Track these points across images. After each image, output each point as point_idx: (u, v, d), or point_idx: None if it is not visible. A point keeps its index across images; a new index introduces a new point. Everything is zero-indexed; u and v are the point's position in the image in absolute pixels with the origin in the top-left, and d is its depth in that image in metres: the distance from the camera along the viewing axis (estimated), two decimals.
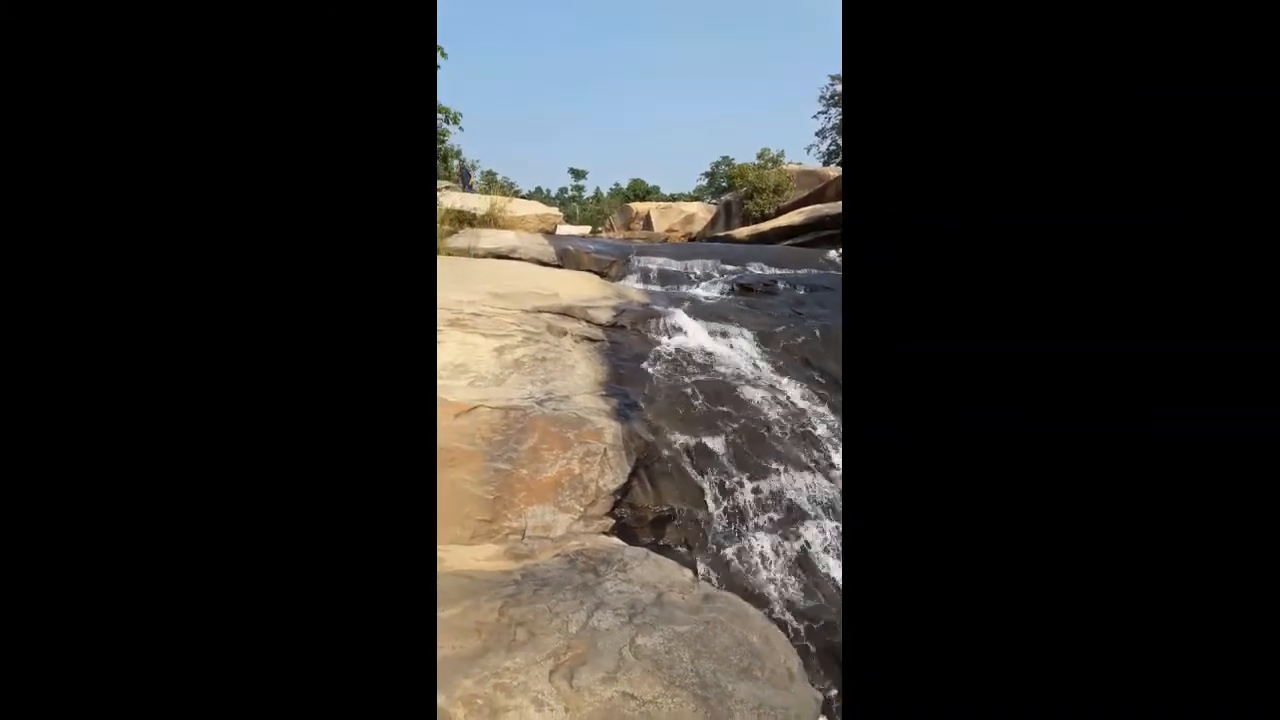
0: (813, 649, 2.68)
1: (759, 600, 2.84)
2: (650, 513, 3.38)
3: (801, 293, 7.43)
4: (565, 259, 8.28)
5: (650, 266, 8.65)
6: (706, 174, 28.78)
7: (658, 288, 8.05)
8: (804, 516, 3.46)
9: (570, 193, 33.39)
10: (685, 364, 5.13)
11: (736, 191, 18.70)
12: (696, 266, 8.67)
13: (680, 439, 3.89)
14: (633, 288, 7.68)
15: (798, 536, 3.32)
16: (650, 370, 4.91)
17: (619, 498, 3.38)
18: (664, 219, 23.17)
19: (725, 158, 27.20)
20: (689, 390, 4.58)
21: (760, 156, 19.85)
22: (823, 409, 4.50)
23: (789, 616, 2.85)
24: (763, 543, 3.26)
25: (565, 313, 5.75)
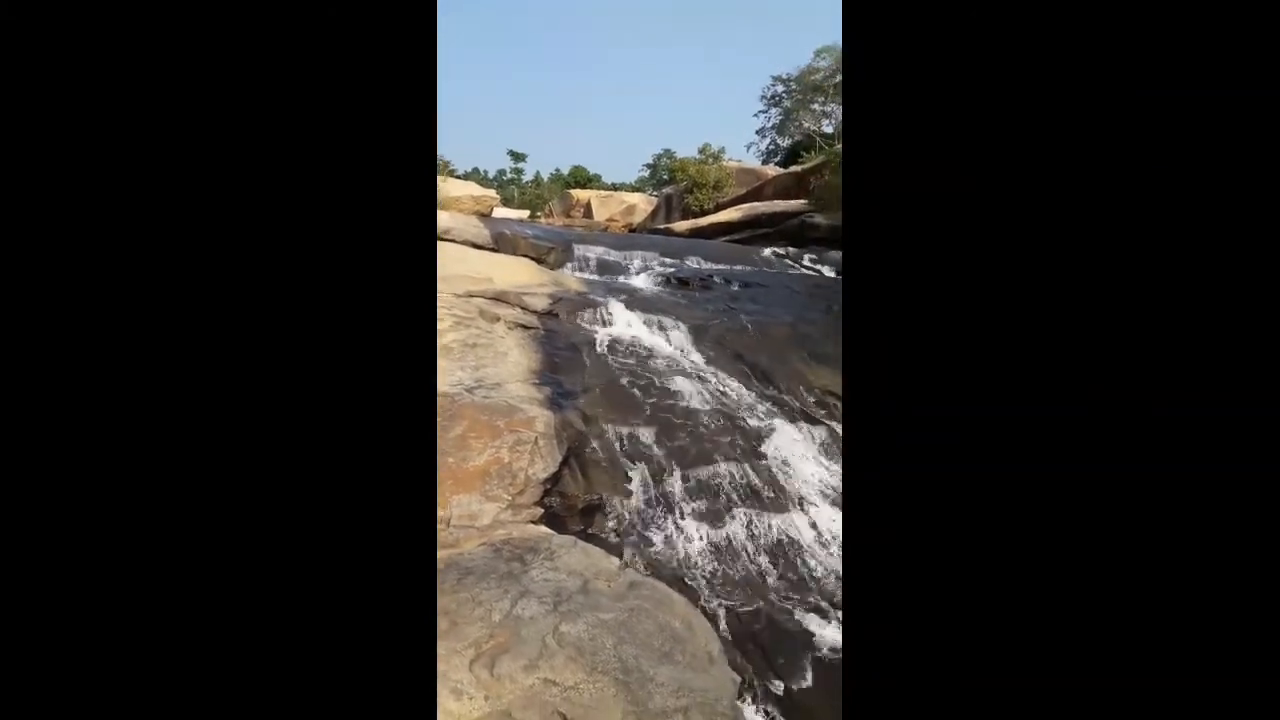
0: (734, 634, 2.76)
1: (684, 587, 2.90)
2: (580, 501, 3.38)
3: (736, 288, 7.58)
4: (501, 243, 8.10)
5: (589, 255, 8.60)
6: (649, 165, 28.83)
7: (596, 277, 8.02)
8: (731, 505, 3.55)
9: (509, 175, 32.64)
10: (621, 354, 5.14)
11: (677, 185, 18.84)
12: (636, 258, 8.69)
13: (613, 428, 3.91)
14: (571, 276, 7.61)
15: (724, 524, 3.41)
16: (585, 359, 4.89)
17: (549, 487, 3.36)
18: (605, 208, 23.06)
19: (667, 150, 27.35)
20: (624, 380, 4.60)
21: (702, 152, 20.06)
22: (752, 400, 4.62)
23: (713, 602, 2.92)
24: (690, 530, 3.33)
25: (499, 298, 5.64)
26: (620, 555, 2.99)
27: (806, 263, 9.33)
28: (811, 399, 4.82)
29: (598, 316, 5.81)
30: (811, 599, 3.07)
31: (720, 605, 2.92)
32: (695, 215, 15.95)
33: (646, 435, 3.92)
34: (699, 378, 4.84)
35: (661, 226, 16.31)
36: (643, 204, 22.56)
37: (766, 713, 2.42)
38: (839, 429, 4.48)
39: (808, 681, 2.58)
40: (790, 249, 10.09)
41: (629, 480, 3.56)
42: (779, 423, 4.34)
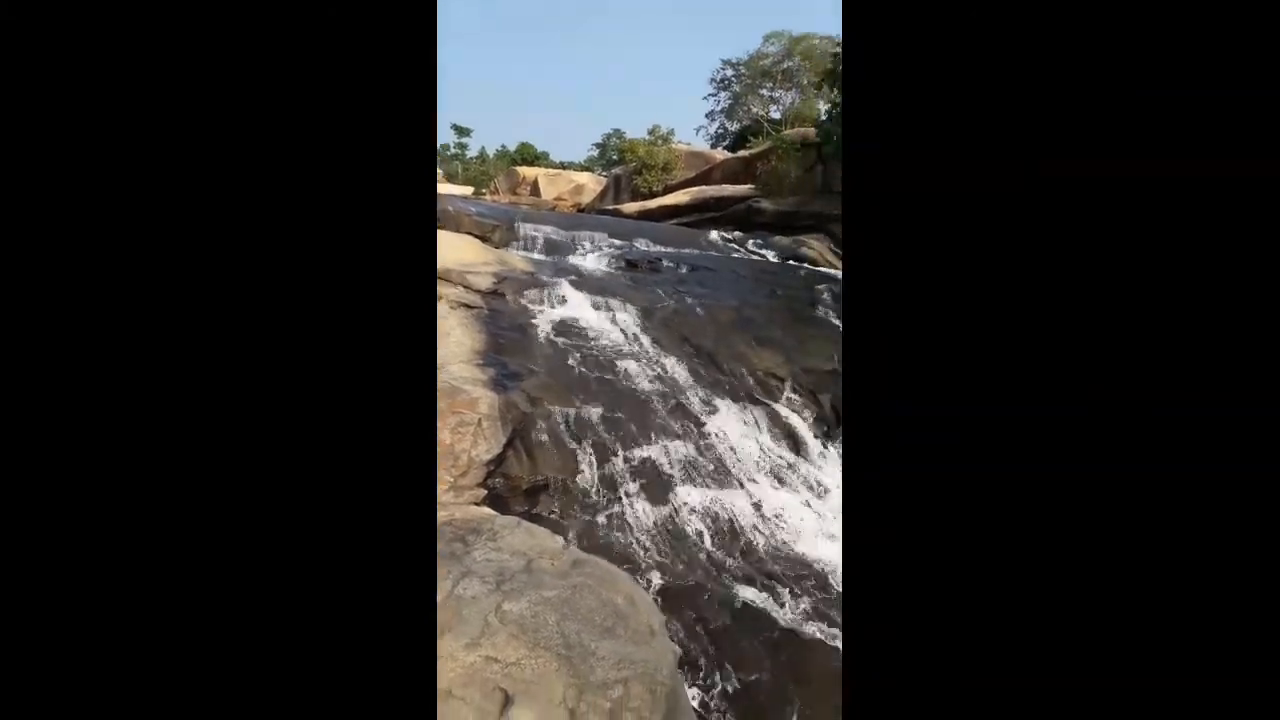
0: (675, 608, 2.84)
1: (628, 563, 2.95)
2: (525, 482, 3.37)
3: (684, 271, 7.64)
4: (444, 220, 7.87)
5: (536, 235, 8.46)
6: (598, 145, 28.43)
7: (543, 257, 7.91)
8: (675, 483, 3.62)
9: (453, 150, 31.54)
10: (567, 335, 5.12)
11: (626, 166, 18.71)
12: (584, 238, 8.62)
13: (559, 409, 3.90)
14: (516, 255, 7.48)
15: (667, 502, 3.47)
16: (531, 341, 4.84)
17: (493, 468, 3.33)
18: (552, 187, 22.68)
19: (616, 130, 27.02)
20: (570, 362, 4.58)
21: (651, 133, 19.96)
22: (697, 382, 4.70)
23: (655, 578, 2.99)
24: (634, 509, 3.37)
25: (441, 277, 5.49)
26: (564, 535, 3.00)
27: (752, 247, 9.49)
28: (754, 381, 4.94)
29: (544, 297, 5.75)
30: (750, 572, 3.18)
31: (663, 581, 2.98)
32: (644, 197, 15.90)
33: (593, 416, 3.93)
34: (646, 360, 4.87)
35: (610, 207, 16.19)
36: (591, 184, 22.31)
37: (706, 680, 2.50)
38: (780, 410, 4.61)
39: (746, 650, 2.68)
40: (737, 233, 10.23)
41: (575, 460, 3.57)
42: (723, 404, 4.43)
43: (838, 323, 6.07)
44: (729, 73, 21.19)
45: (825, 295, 6.78)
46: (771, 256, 9.12)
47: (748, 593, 3.00)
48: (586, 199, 20.81)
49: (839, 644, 2.71)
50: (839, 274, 8.21)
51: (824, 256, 8.93)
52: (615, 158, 23.66)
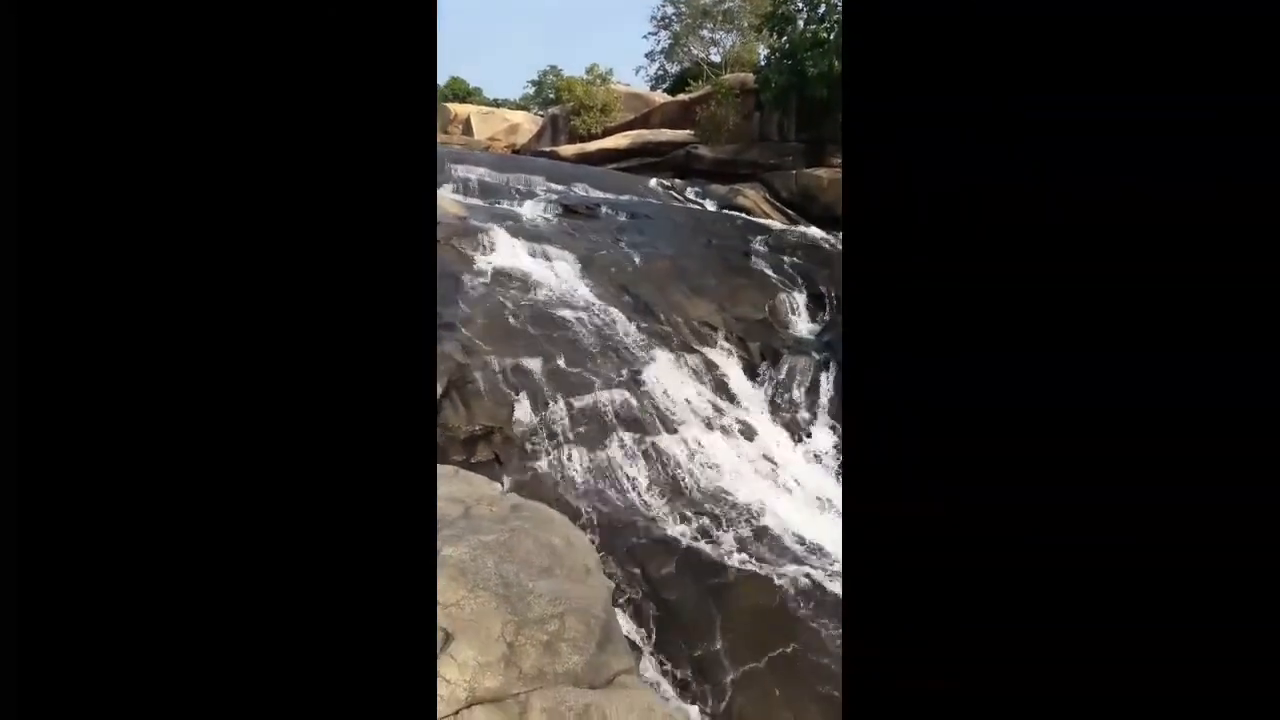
0: (610, 546, 2.98)
1: (565, 507, 3.06)
2: (462, 432, 3.39)
3: (623, 219, 7.58)
4: None
5: (469, 177, 8.12)
6: (534, 82, 27.06)
7: (478, 201, 7.63)
8: (612, 430, 3.73)
9: None
10: (504, 284, 5.04)
11: (564, 106, 18.02)
12: (520, 182, 8.35)
13: (496, 360, 3.89)
14: (449, 198, 7.19)
15: (605, 447, 3.59)
16: (466, 289, 4.74)
17: None
18: (486, 126, 21.60)
19: (553, 67, 25.76)
20: (507, 311, 4.54)
21: (589, 72, 19.19)
22: (634, 331, 4.77)
23: (592, 519, 3.12)
24: (572, 455, 3.47)
25: None
26: (502, 481, 3.07)
27: (690, 195, 9.47)
28: (689, 330, 5.06)
29: (479, 244, 5.60)
30: (683, 511, 3.36)
31: (599, 522, 3.12)
32: (582, 139, 15.44)
33: (530, 365, 3.95)
34: (585, 308, 4.89)
35: (547, 149, 15.65)
36: (527, 124, 21.38)
37: (637, 612, 2.68)
38: (712, 355, 4.77)
39: (675, 580, 2.87)
40: (676, 181, 10.16)
41: (512, 409, 3.61)
42: (658, 352, 4.54)
43: (770, 273, 6.24)
44: (669, 10, 20.47)
45: (759, 246, 6.92)
46: (709, 205, 9.15)
47: (679, 530, 3.18)
48: (522, 140, 19.98)
49: (762, 573, 2.95)
50: (774, 224, 8.36)
51: (759, 207, 9.04)
52: (552, 97, 22.68)
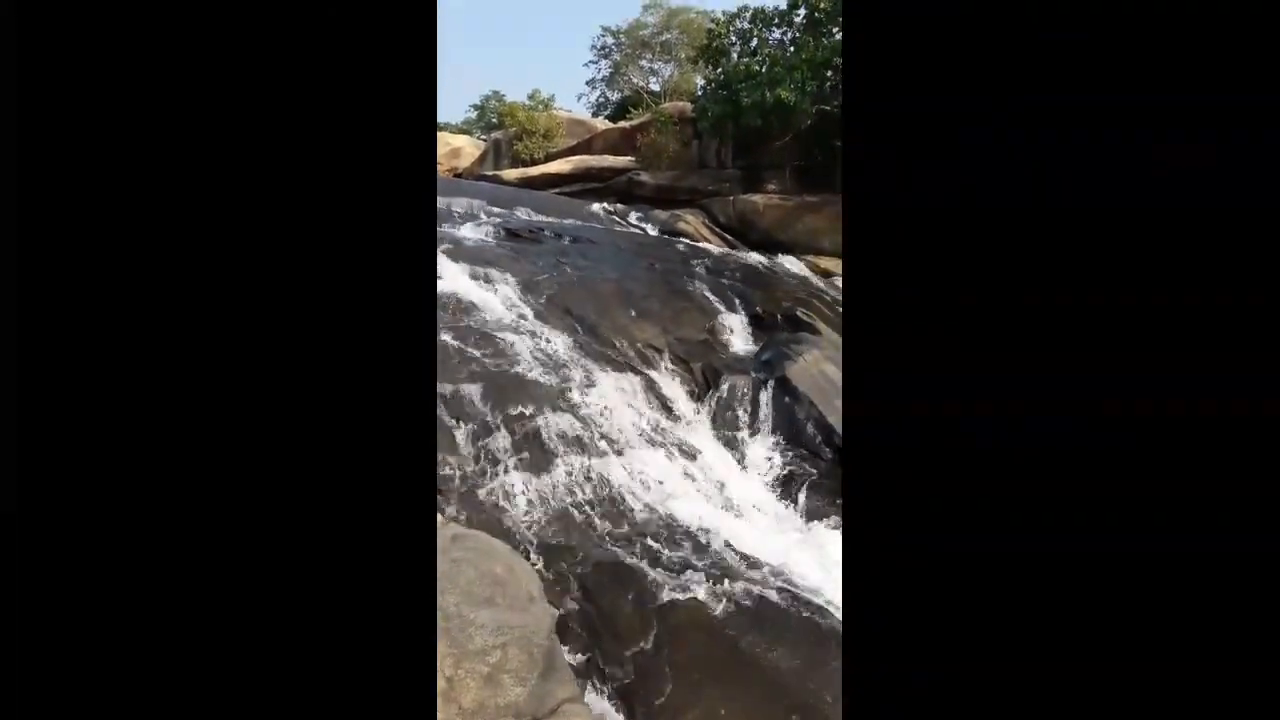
0: (554, 573, 2.95)
1: (508, 534, 3.01)
2: None
3: (566, 242, 7.61)
4: None
5: None
6: (476, 106, 27.05)
7: None
8: (555, 454, 3.71)
9: None
10: (444, 309, 4.97)
11: (506, 130, 18.04)
12: (460, 205, 8.28)
13: (436, 386, 3.82)
14: None
15: (548, 472, 3.56)
16: None
17: None
18: None
19: (496, 92, 25.84)
20: (447, 336, 4.47)
21: (531, 98, 19.34)
22: (578, 354, 4.78)
23: (534, 546, 3.08)
24: (514, 481, 3.43)
25: None
26: (442, 511, 3.00)
27: (633, 220, 9.62)
28: (633, 352, 5.11)
29: None
30: (628, 534, 3.36)
31: (542, 549, 3.08)
32: (525, 164, 15.47)
33: (471, 392, 3.89)
34: (527, 333, 4.87)
35: (490, 173, 15.58)
36: (469, 148, 21.26)
37: (581, 638, 2.65)
38: (656, 377, 4.83)
39: (621, 608, 2.87)
40: (619, 205, 10.31)
41: (453, 438, 3.54)
42: (603, 375, 4.56)
43: (710, 295, 6.39)
44: (609, 40, 20.93)
45: (699, 269, 7.09)
46: (651, 230, 9.32)
47: (624, 554, 3.18)
48: (465, 163, 19.83)
49: (703, 592, 2.98)
50: (713, 249, 8.58)
51: (699, 232, 9.27)
52: (494, 121, 22.67)
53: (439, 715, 1.70)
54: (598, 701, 2.48)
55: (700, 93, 12.19)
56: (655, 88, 19.59)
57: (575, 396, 4.20)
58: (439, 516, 2.79)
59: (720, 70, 10.63)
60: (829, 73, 8.84)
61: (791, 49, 9.56)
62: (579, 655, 2.63)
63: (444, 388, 3.84)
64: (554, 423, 3.87)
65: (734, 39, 10.63)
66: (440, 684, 1.77)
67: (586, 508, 3.49)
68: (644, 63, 20.52)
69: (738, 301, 6.33)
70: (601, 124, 17.78)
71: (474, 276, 5.65)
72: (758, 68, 9.58)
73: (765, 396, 4.71)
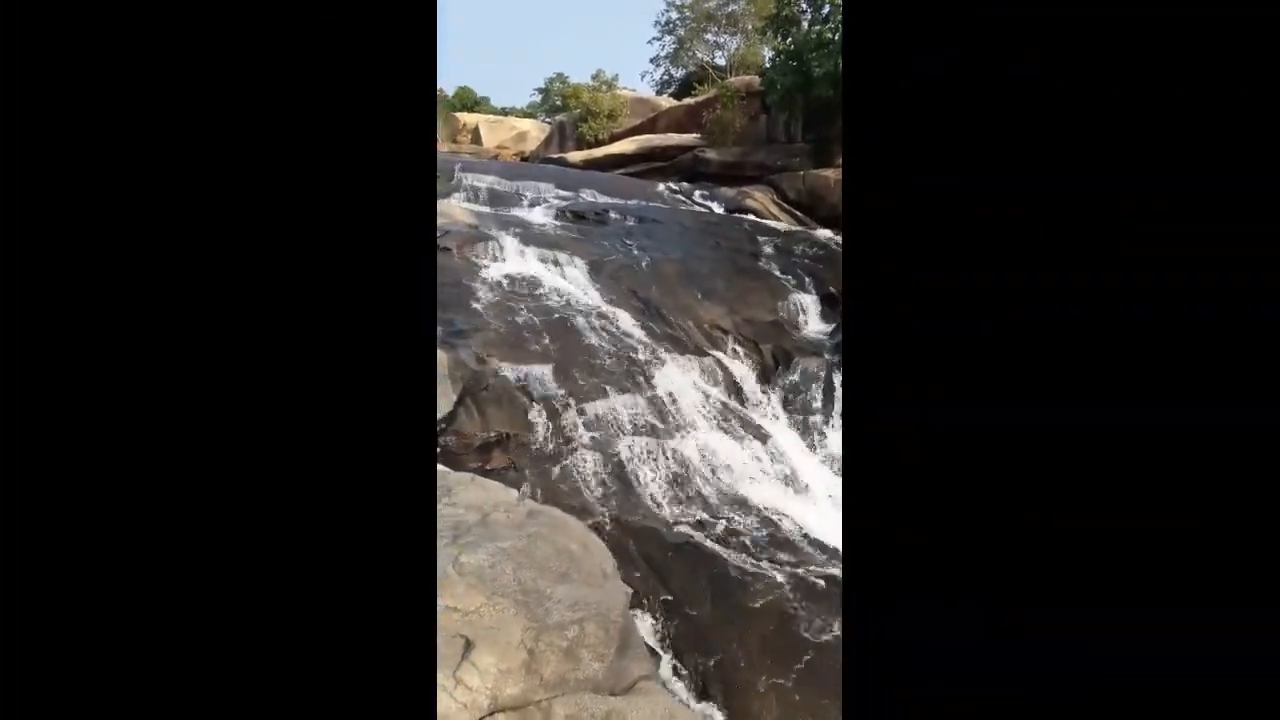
0: (626, 551, 2.99)
1: (580, 512, 3.06)
2: (477, 439, 3.41)
3: (632, 224, 7.59)
4: None
5: (479, 185, 8.19)
6: (540, 90, 27.23)
7: (486, 209, 7.68)
8: (625, 434, 3.73)
9: None
10: (515, 290, 5.07)
11: (571, 113, 18.11)
12: (529, 189, 8.40)
13: (509, 367, 3.91)
14: (459, 206, 7.25)
15: (618, 452, 3.59)
16: (478, 296, 4.77)
17: (444, 426, 3.34)
18: (494, 134, 21.75)
19: (560, 75, 25.90)
20: (519, 318, 4.56)
21: (595, 78, 19.28)
22: (645, 336, 4.78)
23: (608, 524, 3.12)
24: (585, 460, 3.48)
25: None
26: (518, 488, 3.08)
27: (698, 198, 9.48)
28: (699, 333, 5.05)
29: (490, 251, 5.64)
30: (697, 514, 3.36)
31: (615, 526, 3.12)
32: (590, 145, 15.50)
33: (543, 372, 3.97)
34: (595, 314, 4.90)
35: (555, 156, 15.72)
36: (535, 131, 21.53)
37: (655, 617, 2.68)
38: (724, 359, 4.76)
39: (691, 583, 2.87)
40: (683, 184, 10.17)
41: (526, 416, 3.62)
42: (670, 356, 4.54)
43: (779, 274, 6.22)
44: (673, 15, 20.52)
45: (767, 248, 6.91)
46: (717, 208, 9.15)
47: (694, 533, 3.18)
48: (530, 147, 20.10)
49: (775, 575, 2.94)
50: (781, 226, 8.34)
51: (767, 209, 9.03)
52: (559, 104, 22.78)
53: (520, 687, 1.76)
54: (672, 680, 2.50)
55: (769, 65, 11.77)
56: (721, 62, 19.09)
57: (643, 378, 4.20)
58: (515, 492, 2.87)
59: (790, 40, 10.22)
60: None
61: None
62: (652, 634, 2.66)
63: (518, 367, 3.93)
64: (623, 403, 3.89)
65: (804, 6, 10.18)
66: (521, 656, 1.83)
67: (655, 487, 3.50)
68: (709, 36, 20.00)
69: (809, 280, 6.14)
70: (666, 102, 17.53)
71: (542, 259, 5.73)
72: (830, 35, 9.16)
73: (840, 379, 4.57)
